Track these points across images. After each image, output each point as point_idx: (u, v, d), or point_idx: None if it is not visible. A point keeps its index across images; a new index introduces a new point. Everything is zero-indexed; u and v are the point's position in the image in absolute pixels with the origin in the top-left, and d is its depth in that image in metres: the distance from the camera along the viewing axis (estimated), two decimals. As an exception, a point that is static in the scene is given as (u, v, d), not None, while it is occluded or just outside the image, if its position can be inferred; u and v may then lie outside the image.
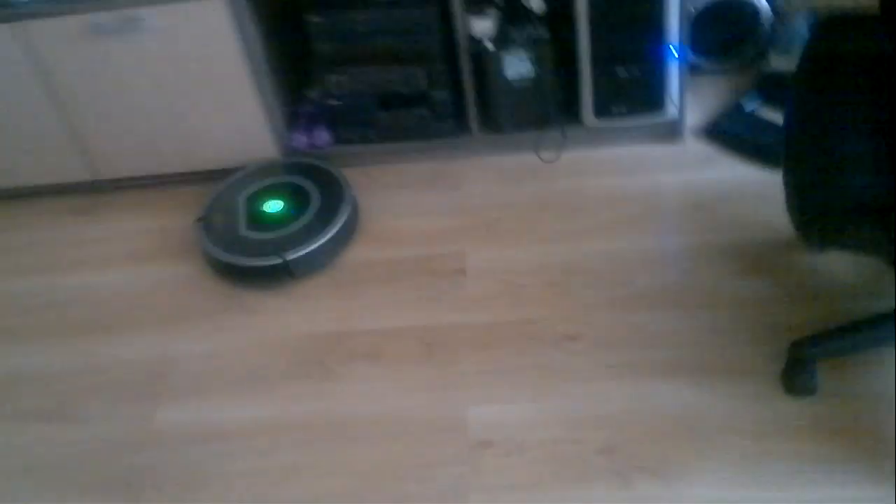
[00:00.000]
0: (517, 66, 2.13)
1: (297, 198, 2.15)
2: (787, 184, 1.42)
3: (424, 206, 2.21)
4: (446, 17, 2.09)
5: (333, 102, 2.24)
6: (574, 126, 2.23)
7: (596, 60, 2.10)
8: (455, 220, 2.15)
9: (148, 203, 2.39)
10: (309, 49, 2.16)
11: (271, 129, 2.26)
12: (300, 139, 2.31)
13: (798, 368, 1.60)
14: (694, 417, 1.61)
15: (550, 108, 2.19)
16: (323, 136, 2.31)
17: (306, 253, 2.02)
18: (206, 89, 2.18)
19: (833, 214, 1.28)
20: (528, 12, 2.12)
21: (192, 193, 2.36)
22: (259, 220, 2.11)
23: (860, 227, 1.25)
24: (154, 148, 2.30)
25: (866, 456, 1.50)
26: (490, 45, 2.10)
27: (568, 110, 2.22)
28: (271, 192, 2.18)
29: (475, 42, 2.12)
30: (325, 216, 2.09)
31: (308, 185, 2.19)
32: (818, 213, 1.30)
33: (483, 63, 2.14)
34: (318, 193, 2.16)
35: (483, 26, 2.11)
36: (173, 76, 2.15)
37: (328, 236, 2.04)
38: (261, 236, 2.07)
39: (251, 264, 2.01)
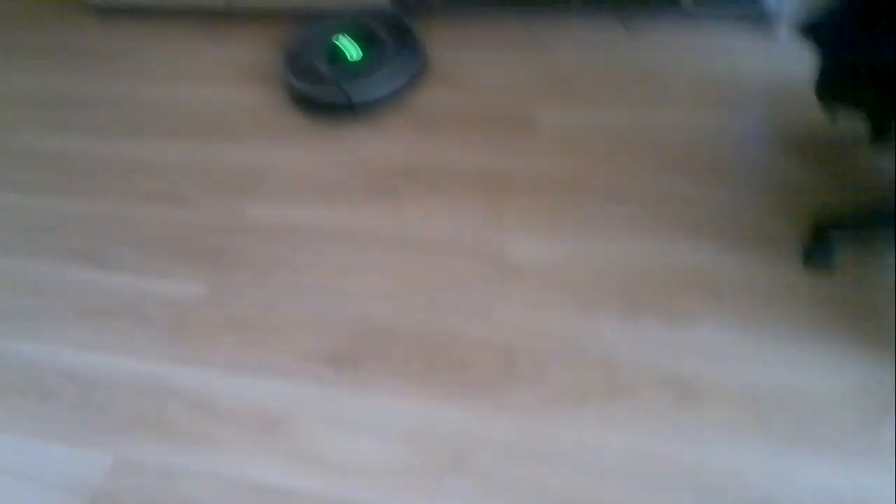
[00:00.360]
0: (619, -62, 2.21)
1: (372, 45, 2.33)
2: (820, 51, 1.49)
3: (508, 64, 2.36)
4: None
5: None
6: (672, 8, 2.30)
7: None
8: (535, 79, 2.29)
9: (267, 34, 2.65)
10: None
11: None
12: (410, -9, 2.48)
13: (818, 244, 1.71)
14: (710, 275, 1.75)
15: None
16: (430, -10, 2.48)
17: (369, 94, 2.23)
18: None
19: (848, 76, 1.36)
20: None
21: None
22: (336, 60, 2.32)
23: (871, 89, 1.33)
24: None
25: (864, 336, 1.61)
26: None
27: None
28: (353, 36, 2.35)
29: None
30: (395, 65, 2.28)
31: (386, 35, 2.35)
32: (837, 74, 1.39)
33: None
34: (394, 44, 2.33)
35: None
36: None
37: (394, 83, 2.25)
38: (333, 74, 2.28)
39: (319, 97, 2.25)
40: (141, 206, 2.19)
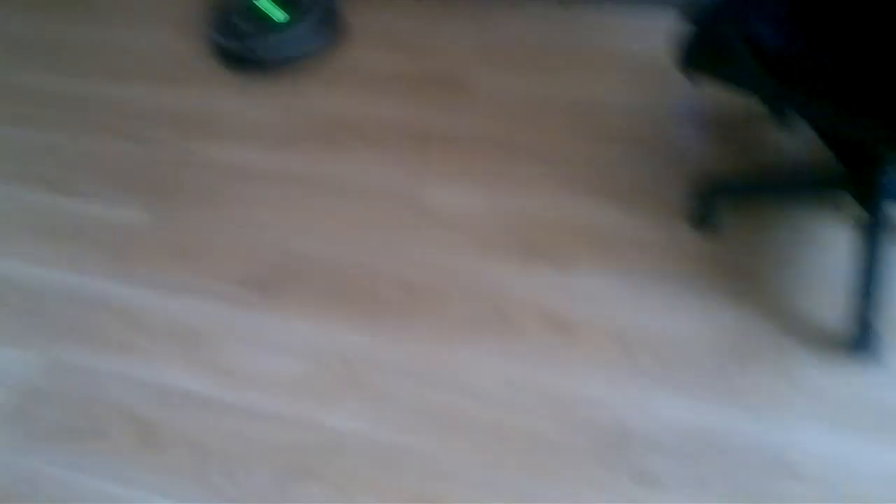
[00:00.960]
0: (564, -84, 2.34)
1: (292, 7, 2.50)
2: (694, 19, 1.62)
3: (447, 31, 2.49)
4: None
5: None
6: (611, -16, 2.43)
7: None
8: (472, 46, 2.43)
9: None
10: None
11: (348, -58, 2.58)
12: (372, -44, 2.62)
13: (704, 206, 1.85)
14: (605, 231, 1.90)
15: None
16: (392, -43, 2.61)
17: (285, 51, 2.43)
18: None
19: (723, 45, 1.49)
20: None
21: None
22: (257, 20, 2.48)
23: (751, 62, 1.46)
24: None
25: (736, 292, 1.75)
26: None
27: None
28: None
29: None
30: (312, 25, 2.46)
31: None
32: (712, 42, 1.52)
33: None
34: (312, 5, 2.50)
35: None
36: None
37: (310, 41, 2.44)
38: (253, 31, 2.45)
39: (239, 52, 2.44)
40: (99, 141, 2.35)
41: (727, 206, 1.88)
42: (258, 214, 2.08)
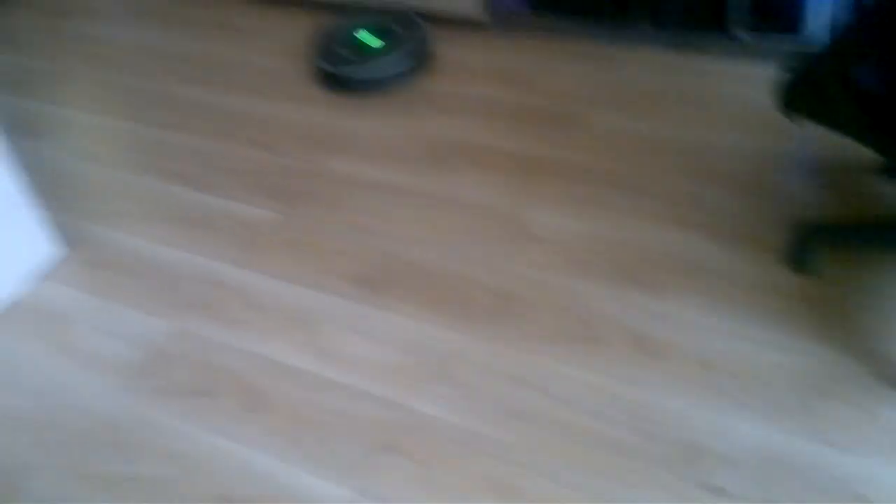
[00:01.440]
0: (686, -28, 2.47)
1: (387, 37, 2.77)
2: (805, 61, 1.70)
3: (571, 70, 2.64)
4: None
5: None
6: (726, 38, 2.53)
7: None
8: (592, 86, 2.56)
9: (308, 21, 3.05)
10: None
11: (480, -14, 2.80)
12: (501, 0, 2.82)
13: (800, 246, 1.90)
14: (697, 262, 1.98)
15: (706, 12, 2.51)
16: (520, 2, 2.80)
17: (378, 73, 2.69)
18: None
19: (828, 86, 1.56)
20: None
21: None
22: (353, 45, 2.77)
23: (849, 105, 1.53)
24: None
25: (823, 328, 1.79)
26: (665, -51, 2.47)
27: (721, 16, 2.52)
28: (373, 29, 2.82)
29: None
30: (403, 52, 2.71)
31: (402, 32, 2.77)
32: (812, 84, 1.59)
33: (657, -36, 2.51)
34: (406, 39, 2.75)
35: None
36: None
37: (395, 65, 2.68)
38: (347, 55, 2.73)
39: (329, 71, 2.71)
40: (238, 147, 2.60)
41: (824, 249, 1.93)
42: (371, 221, 2.26)
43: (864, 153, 2.15)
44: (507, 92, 2.62)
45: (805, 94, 1.63)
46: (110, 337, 2.07)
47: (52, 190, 2.50)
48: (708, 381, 1.73)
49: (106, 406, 1.90)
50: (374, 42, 2.77)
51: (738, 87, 2.48)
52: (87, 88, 3.08)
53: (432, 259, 2.12)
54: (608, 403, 1.72)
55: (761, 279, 1.92)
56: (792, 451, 1.59)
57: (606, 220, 2.13)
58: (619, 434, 1.66)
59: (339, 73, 2.69)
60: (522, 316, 1.93)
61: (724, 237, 2.03)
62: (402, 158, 2.45)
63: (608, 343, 1.83)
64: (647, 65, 2.63)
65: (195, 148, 2.65)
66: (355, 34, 2.81)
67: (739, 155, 2.26)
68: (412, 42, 2.75)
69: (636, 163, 2.29)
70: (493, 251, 2.11)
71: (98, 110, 2.94)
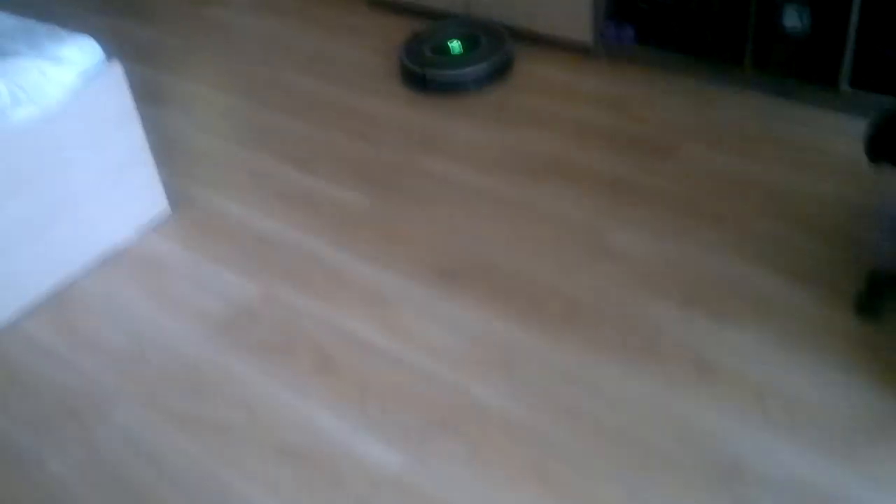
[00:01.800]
0: (795, 17, 2.51)
1: (473, 45, 2.96)
2: None
3: (672, 104, 2.71)
4: (750, -39, 2.53)
5: (644, 6, 2.80)
6: (830, 90, 2.56)
7: (861, 36, 2.41)
8: (692, 121, 2.62)
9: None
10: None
11: (592, 11, 2.89)
12: (611, 28, 2.91)
13: (870, 293, 1.92)
14: (766, 295, 2.02)
15: (813, 64, 2.55)
16: (629, 32, 2.89)
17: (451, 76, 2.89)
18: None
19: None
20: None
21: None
22: (440, 49, 2.97)
23: None
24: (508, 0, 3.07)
25: (884, 374, 1.81)
26: (777, -6, 2.52)
27: (828, 70, 2.55)
28: (460, 37, 3.01)
29: (767, -12, 2.54)
30: (483, 63, 2.88)
31: (487, 44, 2.95)
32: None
33: (768, 6, 2.55)
34: (490, 49, 2.94)
35: (782, -21, 2.52)
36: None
37: (478, 73, 2.88)
38: (435, 59, 2.92)
39: (414, 70, 2.91)
40: (343, 137, 2.76)
41: (892, 299, 1.94)
42: (458, 219, 2.37)
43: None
44: (605, 116, 2.70)
45: (890, 141, 1.66)
46: (203, 291, 2.23)
47: (168, 154, 2.70)
48: (760, 409, 1.76)
49: (190, 351, 2.06)
50: (458, 49, 2.96)
51: (835, 137, 2.50)
52: (212, 67, 3.31)
53: (512, 261, 2.21)
54: (657, 413, 1.77)
55: (828, 321, 1.94)
56: (831, 485, 1.61)
57: (684, 246, 2.19)
58: (663, 442, 1.71)
59: (422, 73, 2.88)
60: (589, 324, 2.00)
61: (798, 276, 2.06)
62: (493, 164, 2.56)
63: (668, 360, 1.89)
64: (746, 106, 2.67)
65: (304, 133, 2.82)
66: (444, 40, 3.00)
67: (824, 201, 2.28)
68: (496, 54, 2.90)
69: (722, 197, 2.34)
70: (570, 261, 2.19)
71: (219, 87, 3.16)
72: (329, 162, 2.66)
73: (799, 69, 2.58)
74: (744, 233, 2.21)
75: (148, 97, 2.99)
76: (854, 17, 2.40)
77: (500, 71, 2.92)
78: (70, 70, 2.10)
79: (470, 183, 2.50)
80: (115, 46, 2.45)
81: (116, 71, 2.23)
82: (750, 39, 2.64)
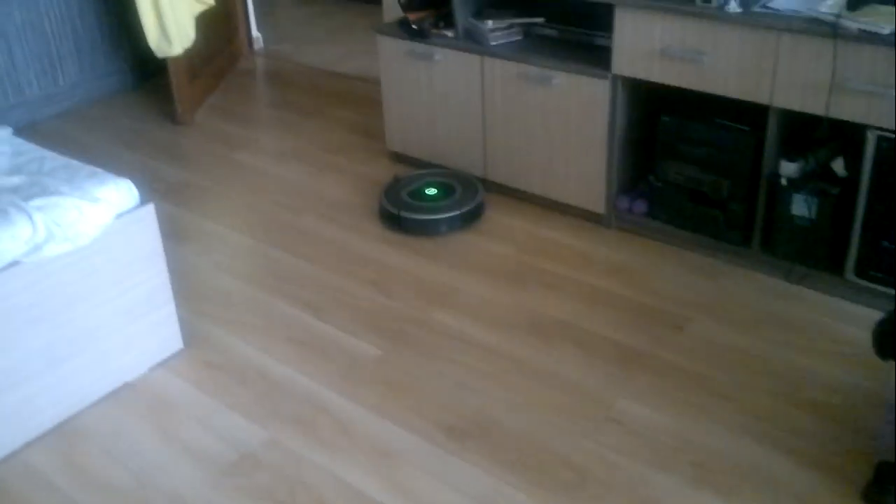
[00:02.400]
0: (803, 206, 2.62)
1: (446, 192, 3.23)
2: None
3: (681, 277, 2.78)
4: (760, 148, 2.66)
5: (658, 184, 2.93)
6: (835, 275, 2.63)
7: (867, 228, 2.51)
8: (700, 296, 2.68)
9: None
10: (653, 139, 2.89)
11: (606, 185, 3.01)
12: (624, 201, 3.03)
13: (878, 481, 1.91)
14: (773, 477, 2.01)
15: (820, 252, 2.63)
16: (641, 206, 3.00)
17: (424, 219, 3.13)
18: (572, 140, 3.01)
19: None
20: (829, 170, 2.61)
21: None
22: (416, 196, 3.22)
23: None
24: (523, 166, 3.20)
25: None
26: (785, 182, 2.63)
27: (834, 259, 2.63)
28: (434, 185, 3.27)
29: (776, 175, 2.66)
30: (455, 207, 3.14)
31: (460, 191, 3.21)
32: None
33: (777, 193, 2.67)
34: (461, 197, 3.16)
35: (789, 169, 2.64)
36: (558, 122, 3.02)
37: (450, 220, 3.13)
38: (410, 202, 3.17)
39: (390, 211, 3.12)
40: (360, 287, 2.82)
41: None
42: (467, 377, 2.39)
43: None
44: (615, 284, 2.77)
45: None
46: (210, 433, 2.23)
47: (184, 290, 2.75)
48: None
49: (192, 495, 2.03)
50: (433, 193, 3.23)
51: (843, 323, 2.55)
52: (235, 208, 3.42)
53: (521, 424, 2.22)
54: None
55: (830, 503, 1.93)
56: None
57: (692, 421, 2.20)
58: None
59: (397, 213, 3.13)
60: (595, 496, 1.98)
61: (806, 461, 2.06)
62: (505, 322, 2.60)
63: (674, 540, 1.86)
64: (755, 285, 2.74)
65: (319, 278, 2.88)
66: (420, 184, 3.29)
67: (832, 386, 2.30)
68: (467, 202, 3.15)
69: (729, 373, 2.36)
70: (578, 428, 2.19)
71: (240, 228, 3.25)
72: (341, 309, 2.71)
73: (805, 255, 2.67)
74: (753, 412, 2.22)
75: (171, 234, 3.08)
76: (860, 210, 2.51)
77: (471, 217, 3.15)
78: (107, 211, 2.18)
79: (481, 340, 2.54)
80: (144, 183, 2.54)
81: (150, 213, 2.32)
82: (758, 223, 2.74)
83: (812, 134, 2.64)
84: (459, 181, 3.28)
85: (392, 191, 3.24)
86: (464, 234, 3.10)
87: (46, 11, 4.16)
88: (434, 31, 3.30)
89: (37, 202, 2.09)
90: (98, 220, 2.16)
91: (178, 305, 2.51)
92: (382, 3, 4.18)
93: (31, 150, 2.44)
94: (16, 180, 2.22)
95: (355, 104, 4.28)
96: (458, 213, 3.11)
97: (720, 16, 2.54)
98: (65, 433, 2.25)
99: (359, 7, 5.97)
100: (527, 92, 3.06)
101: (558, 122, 3.03)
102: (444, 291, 2.79)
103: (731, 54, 2.56)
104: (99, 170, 2.31)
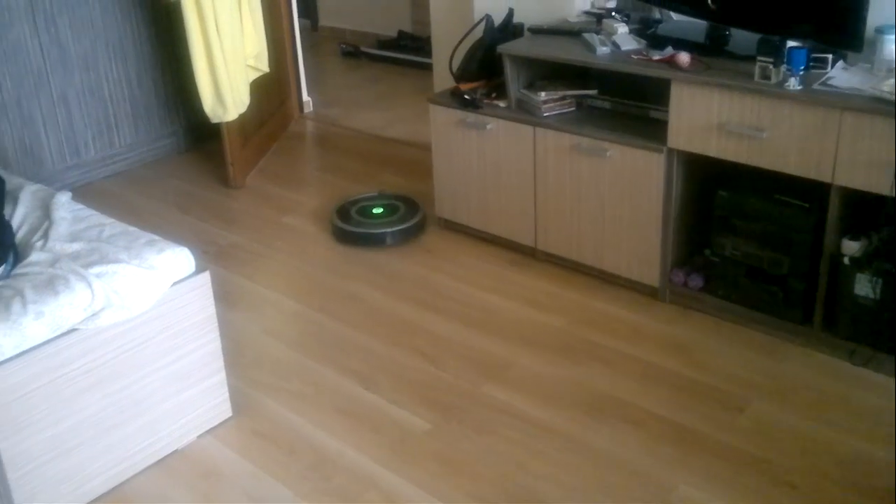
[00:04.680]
0: (867, 286, 2.55)
1: (392, 211, 3.70)
2: None
3: (743, 353, 2.71)
4: (821, 226, 2.61)
5: (714, 259, 2.88)
6: (901, 357, 2.55)
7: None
8: (752, 371, 2.61)
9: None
10: (709, 212, 2.85)
11: (661, 258, 2.97)
12: (679, 275, 2.97)
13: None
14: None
15: (885, 333, 2.55)
16: (697, 280, 2.95)
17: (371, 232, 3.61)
18: (626, 212, 2.98)
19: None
20: (894, 249, 2.54)
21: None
22: (365, 211, 3.71)
23: None
24: (575, 237, 3.17)
25: None
26: (848, 261, 2.56)
27: (899, 341, 2.55)
28: (382, 204, 3.75)
29: (839, 254, 2.59)
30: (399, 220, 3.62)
31: (404, 211, 3.68)
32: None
33: (839, 272, 2.60)
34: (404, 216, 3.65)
35: (851, 247, 2.58)
36: (611, 194, 3.00)
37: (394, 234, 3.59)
38: (358, 217, 3.67)
39: (343, 228, 3.64)
40: (409, 357, 2.79)
41: None
42: (517, 454, 2.33)
43: None
44: (671, 360, 2.71)
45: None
46: (256, 505, 2.19)
47: (234, 357, 2.74)
48: None
49: (237, 571, 1.98)
50: (378, 211, 3.71)
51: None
52: (287, 274, 3.43)
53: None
54: None
55: None
56: None
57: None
58: None
59: (347, 228, 3.61)
60: (654, 587, 1.90)
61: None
62: (556, 398, 2.54)
63: None
64: (816, 366, 2.66)
65: (367, 346, 2.86)
66: (367, 205, 3.78)
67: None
68: (409, 220, 3.63)
69: (791, 458, 2.28)
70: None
71: (290, 294, 3.25)
72: (390, 379, 2.68)
73: (870, 337, 2.59)
74: (816, 501, 2.13)
75: (220, 297, 3.08)
76: (927, 291, 2.44)
77: (411, 231, 3.61)
78: (164, 279, 2.19)
79: (532, 416, 2.48)
80: (196, 246, 2.56)
81: (205, 280, 2.32)
82: (819, 302, 2.67)
83: (876, 211, 2.59)
84: (404, 202, 3.76)
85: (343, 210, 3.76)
86: (515, 304, 3.07)
87: (105, 75, 4.27)
88: (486, 101, 3.33)
89: (96, 269, 2.11)
90: (155, 288, 2.16)
91: (227, 372, 2.50)
92: (433, 70, 4.25)
93: (91, 215, 2.47)
94: (76, 247, 2.24)
95: (403, 170, 4.31)
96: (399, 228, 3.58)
97: (780, 93, 2.52)
98: (114, 500, 2.22)
99: (407, 72, 6.06)
100: (580, 163, 3.05)
101: (612, 194, 3.00)
102: (495, 364, 2.74)
103: (792, 131, 2.53)
104: (157, 237, 2.33)
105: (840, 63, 2.62)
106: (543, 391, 2.60)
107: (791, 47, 2.53)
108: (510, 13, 3.44)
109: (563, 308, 3.04)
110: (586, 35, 3.12)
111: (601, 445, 2.36)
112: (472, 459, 2.33)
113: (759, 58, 2.58)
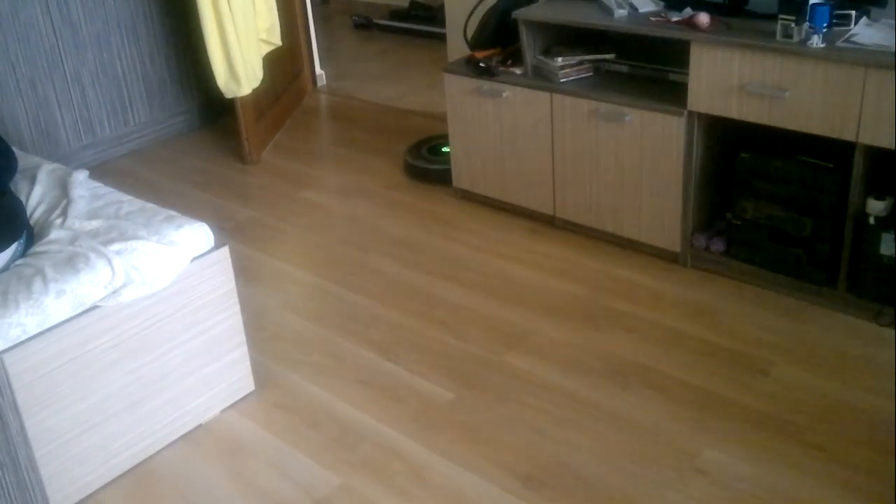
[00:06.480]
0: (892, 246, 2.51)
1: None
2: None
3: (762, 316, 2.68)
4: (845, 186, 2.56)
5: (736, 222, 2.84)
6: (928, 317, 2.51)
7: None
8: (777, 334, 2.58)
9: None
10: (730, 175, 2.81)
11: (682, 223, 2.93)
12: (700, 240, 2.94)
13: None
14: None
15: (911, 293, 2.52)
16: (719, 244, 2.91)
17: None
18: (645, 177, 2.95)
19: None
20: (920, 208, 2.50)
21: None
22: (435, 149, 3.92)
23: None
24: (595, 204, 3.14)
25: None
26: (873, 221, 2.52)
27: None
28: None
29: (863, 213, 2.55)
30: None
31: None
32: None
33: (864, 232, 2.56)
34: None
35: (877, 207, 2.54)
36: (631, 160, 2.97)
37: None
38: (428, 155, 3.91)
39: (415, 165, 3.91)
40: (430, 327, 2.78)
41: None
42: (542, 422, 2.32)
43: None
44: (694, 325, 2.68)
45: None
46: (281, 477, 2.20)
47: (255, 332, 2.74)
48: None
49: (265, 542, 2.00)
50: (447, 150, 3.72)
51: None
52: (305, 248, 3.42)
53: (596, 472, 2.14)
54: None
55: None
56: None
57: (779, 472, 2.09)
58: None
59: (419, 165, 3.86)
60: (681, 551, 1.90)
61: None
62: (579, 365, 2.53)
63: None
64: (841, 328, 2.63)
65: (387, 318, 2.85)
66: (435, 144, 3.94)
67: (929, 435, 2.19)
68: None
69: (817, 420, 2.26)
70: (657, 477, 2.10)
71: (307, 267, 3.25)
72: (412, 350, 2.67)
73: (888, 291, 2.55)
74: (844, 462, 2.11)
75: (240, 273, 3.08)
76: (954, 249, 2.40)
77: None
78: (184, 254, 2.18)
79: (555, 383, 2.47)
80: (214, 223, 2.55)
81: (225, 255, 2.32)
82: (844, 263, 2.64)
83: (901, 170, 2.54)
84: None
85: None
86: (535, 273, 3.05)
87: (118, 54, 4.26)
88: (502, 68, 3.29)
89: (116, 246, 2.11)
90: (175, 264, 2.16)
91: (249, 346, 2.51)
92: (447, 40, 4.20)
93: (109, 193, 2.47)
94: (95, 224, 2.24)
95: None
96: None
97: (802, 51, 2.47)
98: (139, 475, 2.24)
99: (420, 43, 6.01)
100: (598, 129, 3.01)
101: (631, 160, 2.97)
102: (516, 332, 2.73)
103: (815, 90, 2.48)
104: (175, 213, 2.32)
105: (864, 19, 2.57)
106: (565, 359, 2.58)
107: (813, 4, 2.47)
108: (524, -22, 3.39)
109: (584, 275, 3.02)
110: (602, -2, 3.07)
111: (625, 412, 2.35)
112: (496, 428, 2.32)
113: (780, 16, 2.52)
